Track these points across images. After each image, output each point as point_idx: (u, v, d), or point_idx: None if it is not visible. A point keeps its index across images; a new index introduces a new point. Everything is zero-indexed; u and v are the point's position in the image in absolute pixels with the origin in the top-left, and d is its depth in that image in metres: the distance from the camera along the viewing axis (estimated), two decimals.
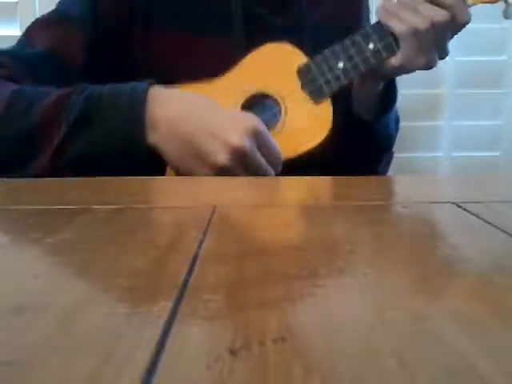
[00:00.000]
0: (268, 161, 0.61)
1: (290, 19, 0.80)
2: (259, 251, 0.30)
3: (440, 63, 0.75)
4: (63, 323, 0.20)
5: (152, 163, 0.62)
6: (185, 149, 0.60)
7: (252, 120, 0.61)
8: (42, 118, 0.63)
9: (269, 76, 0.71)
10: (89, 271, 0.27)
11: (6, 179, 0.59)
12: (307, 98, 0.71)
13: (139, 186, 0.54)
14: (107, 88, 0.63)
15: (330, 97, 0.72)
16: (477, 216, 0.38)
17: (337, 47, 0.70)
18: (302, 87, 0.71)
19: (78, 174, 0.61)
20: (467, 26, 0.73)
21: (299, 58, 0.71)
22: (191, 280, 0.25)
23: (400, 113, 0.91)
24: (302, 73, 0.71)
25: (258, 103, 0.72)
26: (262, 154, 0.61)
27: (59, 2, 0.79)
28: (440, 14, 0.69)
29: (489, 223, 0.36)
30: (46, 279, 0.26)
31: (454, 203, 0.41)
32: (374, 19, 0.92)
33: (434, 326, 0.20)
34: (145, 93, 0.61)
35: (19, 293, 0.24)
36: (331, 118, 0.70)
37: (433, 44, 0.71)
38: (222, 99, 0.70)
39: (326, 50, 0.71)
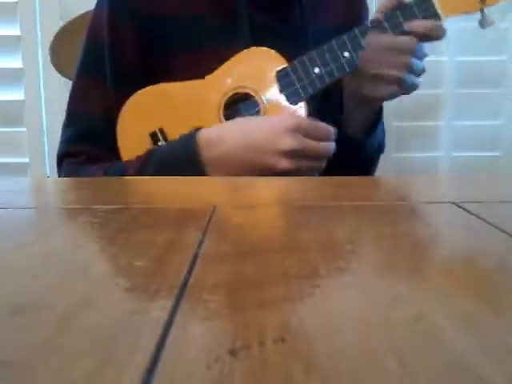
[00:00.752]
0: (321, 140, 0.68)
1: (293, 26, 0.80)
2: (259, 251, 0.30)
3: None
4: (63, 323, 0.20)
5: None
6: (249, 171, 0.68)
7: (286, 120, 0.68)
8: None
9: (252, 78, 0.75)
10: (89, 271, 0.27)
11: (5, 179, 0.59)
12: (284, 100, 0.75)
13: (139, 186, 0.54)
14: (164, 152, 0.72)
15: (319, 108, 0.76)
16: (477, 216, 0.38)
17: (314, 53, 0.74)
18: (280, 90, 0.75)
19: None
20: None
21: (279, 62, 0.75)
22: (191, 280, 0.25)
23: (400, 113, 0.92)
24: (281, 77, 0.75)
25: (242, 101, 0.76)
26: (313, 138, 0.67)
27: (82, 59, 0.81)
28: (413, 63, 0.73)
29: (489, 223, 0.36)
30: (45, 279, 0.26)
31: (454, 203, 0.41)
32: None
33: (433, 326, 0.20)
34: (195, 144, 0.69)
35: (19, 293, 0.24)
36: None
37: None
38: (209, 95, 0.75)
39: (304, 56, 0.74)
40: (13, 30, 1.19)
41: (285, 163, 0.66)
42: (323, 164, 0.70)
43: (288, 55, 0.78)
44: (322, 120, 0.77)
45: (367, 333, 0.19)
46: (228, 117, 0.75)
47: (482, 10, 0.73)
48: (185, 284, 0.24)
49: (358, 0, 0.89)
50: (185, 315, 0.21)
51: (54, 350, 0.18)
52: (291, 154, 0.66)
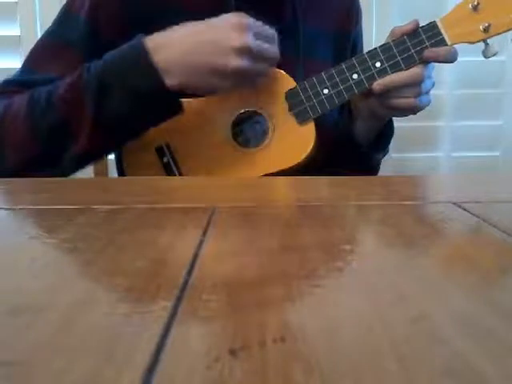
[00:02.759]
0: (266, 42, 0.68)
1: (283, 24, 0.80)
2: (259, 251, 0.30)
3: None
4: (63, 323, 0.20)
5: (176, 101, 0.69)
6: (201, 73, 0.66)
7: (237, 16, 0.67)
8: (64, 109, 0.67)
9: (260, 96, 0.76)
10: (89, 271, 0.27)
11: (6, 179, 0.59)
12: (293, 119, 0.76)
13: (139, 186, 0.54)
14: (108, 57, 0.68)
15: (319, 119, 0.77)
16: (477, 216, 0.38)
17: (323, 75, 0.76)
18: (289, 109, 0.76)
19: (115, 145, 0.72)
20: None
21: (288, 82, 0.76)
22: (191, 280, 0.25)
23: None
24: (290, 96, 0.76)
25: (250, 119, 0.77)
26: (260, 39, 0.67)
27: (55, 24, 0.79)
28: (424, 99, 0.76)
29: (489, 223, 0.36)
30: (45, 279, 0.26)
31: (454, 203, 0.41)
32: (365, 23, 0.93)
33: (433, 326, 0.20)
34: (143, 47, 0.66)
35: (19, 293, 0.24)
36: (314, 140, 0.76)
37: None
38: (217, 113, 0.75)
39: (314, 77, 0.76)
40: (13, 30, 1.19)
41: (235, 61, 0.64)
42: (267, 68, 0.70)
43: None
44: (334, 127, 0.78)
45: (367, 333, 0.19)
46: (236, 134, 0.76)
47: (485, 41, 0.75)
48: (185, 284, 0.24)
49: (353, 4, 0.89)
50: (185, 315, 0.21)
51: (54, 350, 0.18)
52: (241, 50, 0.65)
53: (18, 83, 0.75)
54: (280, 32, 0.80)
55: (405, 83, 0.74)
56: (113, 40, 0.74)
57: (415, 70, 0.74)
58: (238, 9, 0.76)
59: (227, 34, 0.65)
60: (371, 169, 0.89)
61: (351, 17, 0.89)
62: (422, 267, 0.28)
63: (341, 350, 0.18)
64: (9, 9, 1.18)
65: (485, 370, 0.17)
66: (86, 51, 0.75)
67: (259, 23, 0.68)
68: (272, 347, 0.18)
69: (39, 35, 1.18)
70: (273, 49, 0.69)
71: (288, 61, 0.79)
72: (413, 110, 0.77)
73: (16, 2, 1.18)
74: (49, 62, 0.76)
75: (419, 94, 0.75)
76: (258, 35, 0.67)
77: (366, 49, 0.83)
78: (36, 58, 0.78)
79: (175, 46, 0.66)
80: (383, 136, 0.86)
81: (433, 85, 0.78)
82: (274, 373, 0.17)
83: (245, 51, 0.65)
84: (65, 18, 0.78)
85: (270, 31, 0.69)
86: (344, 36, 0.88)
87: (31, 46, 1.20)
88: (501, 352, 0.18)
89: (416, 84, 0.74)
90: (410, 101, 0.75)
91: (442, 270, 0.28)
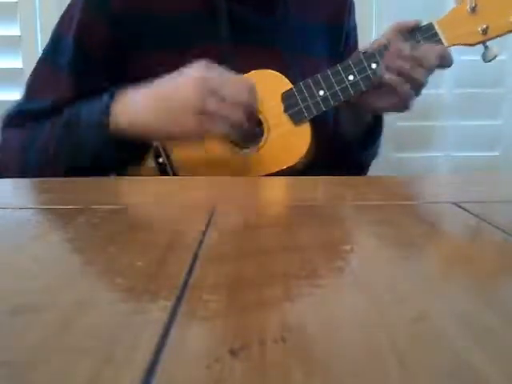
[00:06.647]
0: (234, 91, 0.66)
1: (275, 19, 0.80)
2: (259, 251, 0.30)
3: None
4: (63, 323, 0.20)
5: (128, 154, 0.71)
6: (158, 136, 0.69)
7: (197, 71, 0.66)
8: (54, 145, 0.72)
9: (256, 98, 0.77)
10: (89, 271, 0.27)
11: (6, 180, 0.59)
12: (289, 120, 0.76)
13: (139, 186, 0.54)
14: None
15: (315, 119, 0.77)
16: (477, 216, 0.38)
17: (319, 76, 0.76)
18: (285, 110, 0.76)
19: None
20: None
21: (284, 84, 0.76)
22: (191, 280, 0.25)
23: (400, 113, 0.92)
24: (286, 98, 0.76)
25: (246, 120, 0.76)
26: (225, 88, 0.65)
27: (47, 49, 0.81)
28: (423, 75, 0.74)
29: (489, 223, 0.36)
30: (45, 279, 0.26)
31: (454, 203, 0.41)
32: (365, 23, 0.93)
33: (434, 326, 0.20)
34: (107, 110, 0.68)
35: (19, 293, 0.24)
36: (309, 141, 0.76)
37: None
38: None
39: (309, 78, 0.76)
40: (13, 30, 1.19)
41: (192, 121, 0.64)
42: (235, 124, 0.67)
43: (270, 48, 0.78)
44: (324, 122, 0.78)
45: (367, 333, 0.19)
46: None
47: (484, 44, 0.74)
48: (185, 284, 0.24)
49: (344, 2, 0.89)
50: (185, 315, 0.21)
51: (54, 350, 0.18)
52: (200, 117, 0.64)
53: (22, 114, 0.79)
54: (270, 27, 0.80)
55: (412, 56, 0.72)
56: (103, 61, 0.76)
57: (426, 49, 0.72)
58: (228, 7, 0.76)
59: (186, 102, 0.64)
60: (357, 165, 0.88)
61: (344, 8, 0.89)
62: (422, 267, 0.28)
63: (341, 350, 0.18)
64: (9, 9, 1.18)
65: (485, 370, 0.17)
66: (76, 73, 0.76)
67: (226, 78, 0.66)
68: (272, 347, 0.18)
69: (39, 35, 1.19)
70: (236, 113, 0.66)
71: (280, 54, 0.79)
72: (401, 97, 0.75)
73: (16, 2, 1.18)
74: (44, 90, 0.79)
75: (417, 84, 0.74)
76: (222, 95, 0.65)
77: (362, 45, 0.83)
78: (33, 87, 0.81)
79: (135, 116, 0.68)
80: (371, 131, 0.85)
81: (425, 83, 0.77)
82: (274, 373, 0.17)
83: (204, 118, 0.64)
84: (55, 41, 0.80)
85: (233, 80, 0.67)
86: (337, 28, 0.87)
87: (31, 45, 1.21)
88: (501, 352, 0.18)
89: (422, 65, 0.73)
90: (406, 87, 0.73)
91: (442, 269, 0.28)
